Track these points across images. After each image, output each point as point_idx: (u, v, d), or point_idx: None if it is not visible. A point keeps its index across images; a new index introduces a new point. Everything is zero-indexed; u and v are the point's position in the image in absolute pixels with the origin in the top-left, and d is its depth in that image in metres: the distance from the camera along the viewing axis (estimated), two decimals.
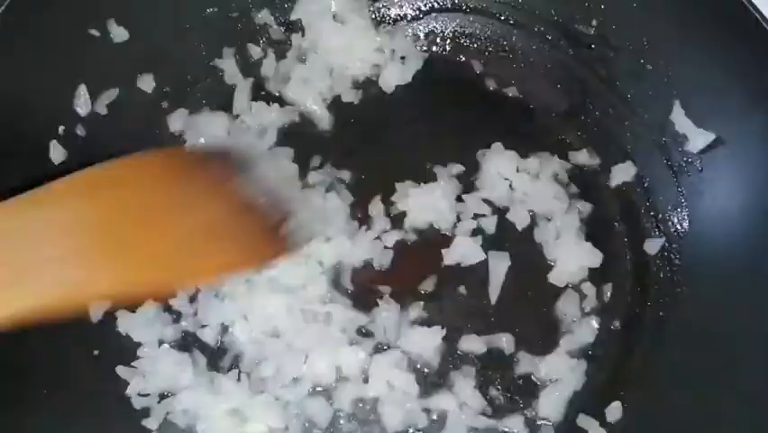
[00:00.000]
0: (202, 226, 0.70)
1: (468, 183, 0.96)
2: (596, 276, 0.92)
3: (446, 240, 0.92)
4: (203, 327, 0.89)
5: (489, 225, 0.93)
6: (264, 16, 1.01)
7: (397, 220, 0.94)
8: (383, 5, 1.04)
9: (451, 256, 0.92)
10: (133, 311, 0.86)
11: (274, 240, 0.77)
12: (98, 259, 0.60)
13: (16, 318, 0.55)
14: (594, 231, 0.94)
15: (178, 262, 0.68)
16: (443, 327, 0.88)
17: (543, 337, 0.89)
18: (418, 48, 1.04)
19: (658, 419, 0.84)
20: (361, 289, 0.91)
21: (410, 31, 1.04)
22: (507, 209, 0.94)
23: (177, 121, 0.97)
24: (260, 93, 1.01)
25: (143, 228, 0.65)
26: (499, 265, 0.91)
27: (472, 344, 0.88)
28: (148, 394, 0.86)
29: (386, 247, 0.92)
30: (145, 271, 0.65)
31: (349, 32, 1.00)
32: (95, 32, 0.89)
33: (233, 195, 0.74)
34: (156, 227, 0.66)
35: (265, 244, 0.76)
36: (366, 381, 0.87)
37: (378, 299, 0.89)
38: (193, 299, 0.89)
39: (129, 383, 0.85)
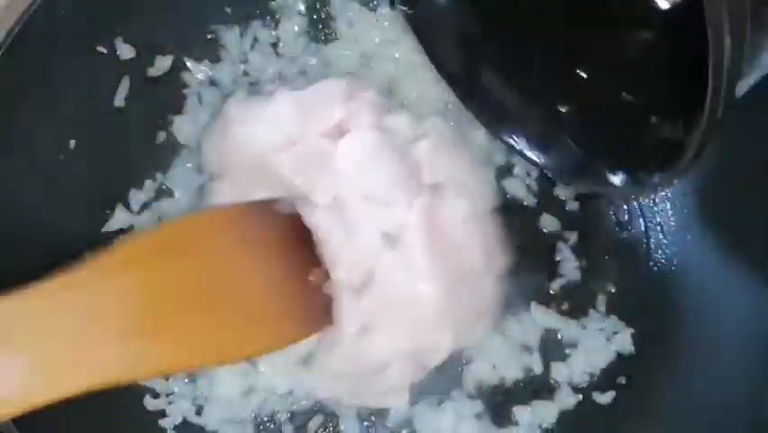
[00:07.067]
0: (263, 291, 0.64)
1: None
2: None
3: None
4: None
5: None
6: None
7: None
8: None
9: None
10: None
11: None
12: (152, 336, 0.55)
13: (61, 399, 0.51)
14: None
15: (241, 332, 0.62)
16: None
17: None
18: None
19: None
20: None
21: None
22: None
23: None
24: None
25: (200, 299, 0.59)
26: None
27: None
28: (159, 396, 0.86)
29: None
30: (204, 345, 0.60)
31: None
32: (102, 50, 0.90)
33: (289, 254, 0.67)
34: (216, 295, 0.60)
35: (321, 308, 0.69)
36: None
37: None
38: None
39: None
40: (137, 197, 0.93)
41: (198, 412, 0.86)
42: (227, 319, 0.61)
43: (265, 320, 0.64)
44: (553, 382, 0.89)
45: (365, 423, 0.87)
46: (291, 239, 0.70)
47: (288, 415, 0.87)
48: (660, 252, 0.94)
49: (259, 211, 0.71)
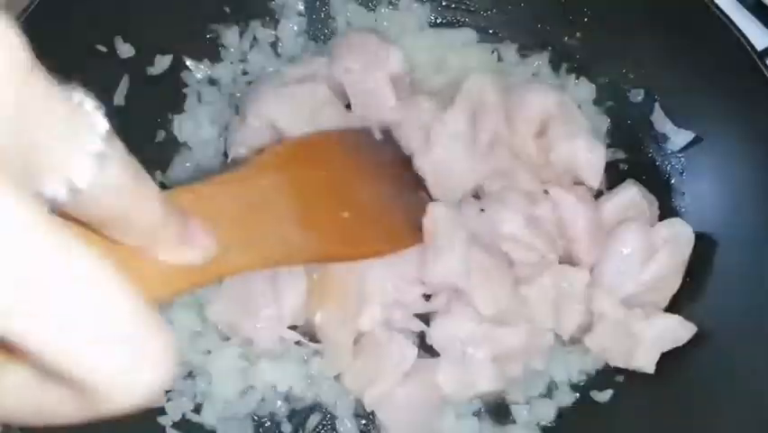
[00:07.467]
0: (380, 201, 0.74)
1: None
2: None
3: None
4: None
5: None
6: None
7: None
8: None
9: None
10: None
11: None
12: (303, 227, 0.64)
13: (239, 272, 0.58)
14: None
15: (365, 233, 0.72)
16: None
17: None
18: None
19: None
20: None
21: None
22: None
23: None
24: None
25: (334, 200, 0.70)
26: None
27: None
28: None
29: None
30: (335, 241, 0.69)
31: None
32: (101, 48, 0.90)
33: (400, 174, 0.79)
34: (345, 200, 0.71)
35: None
36: None
37: None
38: None
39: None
40: None
41: (197, 410, 0.86)
42: (361, 220, 0.72)
43: (390, 225, 0.76)
44: (551, 380, 0.89)
45: (363, 421, 0.87)
46: (397, 162, 0.82)
47: (287, 413, 0.87)
48: None
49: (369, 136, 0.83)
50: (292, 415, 0.87)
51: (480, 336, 0.82)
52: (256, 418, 0.87)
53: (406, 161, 0.83)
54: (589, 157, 0.90)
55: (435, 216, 0.83)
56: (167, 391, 0.86)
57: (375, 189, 0.75)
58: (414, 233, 0.81)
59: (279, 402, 0.87)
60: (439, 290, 0.86)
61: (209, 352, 0.87)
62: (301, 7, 1.03)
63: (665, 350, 0.85)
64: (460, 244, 0.82)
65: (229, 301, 0.85)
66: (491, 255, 0.84)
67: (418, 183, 0.85)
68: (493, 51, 1.02)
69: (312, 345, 0.86)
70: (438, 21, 1.04)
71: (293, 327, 0.87)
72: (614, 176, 0.95)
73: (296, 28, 1.02)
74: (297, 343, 0.86)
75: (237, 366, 0.86)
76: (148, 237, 0.40)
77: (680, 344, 0.85)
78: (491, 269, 0.83)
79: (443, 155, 0.88)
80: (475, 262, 0.82)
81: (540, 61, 1.01)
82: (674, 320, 0.85)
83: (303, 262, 0.75)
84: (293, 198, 0.65)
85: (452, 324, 0.83)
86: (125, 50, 0.92)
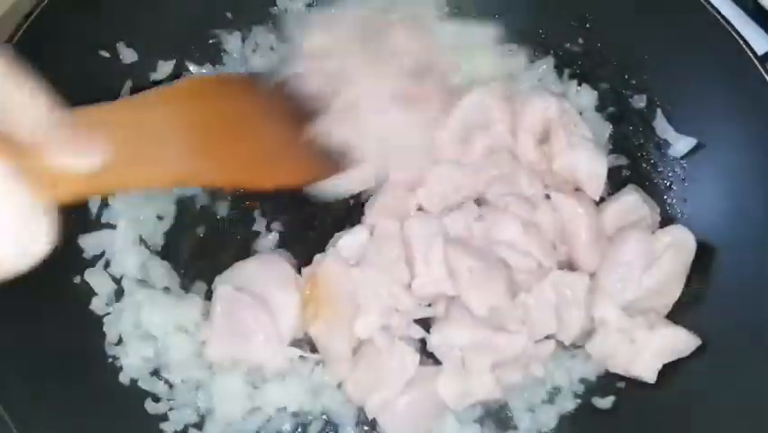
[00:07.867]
0: (270, 137, 0.81)
1: None
2: None
3: None
4: None
5: None
6: None
7: None
8: None
9: None
10: None
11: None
12: (201, 153, 0.72)
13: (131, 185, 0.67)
14: None
15: (254, 164, 0.79)
16: None
17: None
18: None
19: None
20: None
21: None
22: None
23: None
24: None
25: (227, 133, 0.76)
26: None
27: None
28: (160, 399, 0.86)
29: None
30: (234, 168, 0.76)
31: None
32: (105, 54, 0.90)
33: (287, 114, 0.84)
34: (236, 133, 0.77)
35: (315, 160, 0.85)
36: None
37: None
38: None
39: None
40: None
41: (200, 426, 0.86)
42: (250, 153, 0.78)
43: (277, 159, 0.81)
44: (552, 386, 0.89)
45: (365, 428, 0.87)
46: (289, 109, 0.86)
47: (290, 420, 0.87)
48: None
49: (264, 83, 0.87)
50: (295, 423, 0.87)
51: (479, 342, 0.82)
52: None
53: (296, 110, 0.87)
54: (591, 169, 0.90)
55: (410, 233, 0.84)
56: (169, 399, 0.86)
57: (271, 128, 0.82)
58: (316, 168, 0.86)
59: (286, 419, 0.87)
60: (432, 300, 0.86)
61: (211, 367, 0.86)
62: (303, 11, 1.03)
63: (667, 361, 0.85)
64: (436, 253, 0.83)
65: (223, 336, 0.84)
66: (482, 259, 0.84)
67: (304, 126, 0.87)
68: (504, 56, 1.01)
69: (314, 356, 0.86)
70: None
71: (295, 342, 0.86)
72: (616, 181, 0.95)
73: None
74: (301, 357, 0.86)
75: (242, 391, 0.85)
76: (35, 136, 0.46)
77: (682, 355, 0.85)
78: (482, 271, 0.83)
79: (438, 167, 0.90)
80: (464, 265, 0.83)
81: (546, 66, 1.01)
82: (678, 332, 0.85)
83: (201, 184, 0.85)
84: (191, 127, 0.72)
85: (451, 330, 0.83)
86: (128, 55, 0.92)
